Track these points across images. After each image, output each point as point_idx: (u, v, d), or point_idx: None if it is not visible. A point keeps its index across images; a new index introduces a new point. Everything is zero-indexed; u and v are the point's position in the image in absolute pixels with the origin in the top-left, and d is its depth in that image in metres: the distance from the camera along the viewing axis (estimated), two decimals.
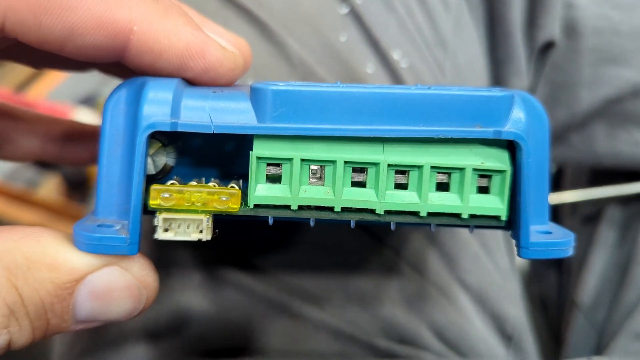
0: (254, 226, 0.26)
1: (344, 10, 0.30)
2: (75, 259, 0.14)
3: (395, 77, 0.29)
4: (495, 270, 0.30)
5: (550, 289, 0.51)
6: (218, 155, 0.18)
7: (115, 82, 0.20)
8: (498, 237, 0.33)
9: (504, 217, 0.16)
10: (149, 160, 0.16)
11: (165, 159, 0.17)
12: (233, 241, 0.26)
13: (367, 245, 0.27)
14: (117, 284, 0.15)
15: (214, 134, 0.16)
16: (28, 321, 0.14)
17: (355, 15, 0.29)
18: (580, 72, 0.35)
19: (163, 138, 0.17)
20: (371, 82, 0.29)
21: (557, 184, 0.47)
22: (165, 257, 0.26)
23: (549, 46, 0.35)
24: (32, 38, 0.15)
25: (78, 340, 0.27)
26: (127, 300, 0.15)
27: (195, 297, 0.26)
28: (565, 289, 0.47)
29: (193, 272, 0.26)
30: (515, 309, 0.31)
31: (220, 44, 0.17)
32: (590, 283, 0.41)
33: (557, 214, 0.50)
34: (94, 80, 0.80)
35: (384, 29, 0.30)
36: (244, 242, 0.26)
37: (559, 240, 0.16)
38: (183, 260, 0.26)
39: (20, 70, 0.85)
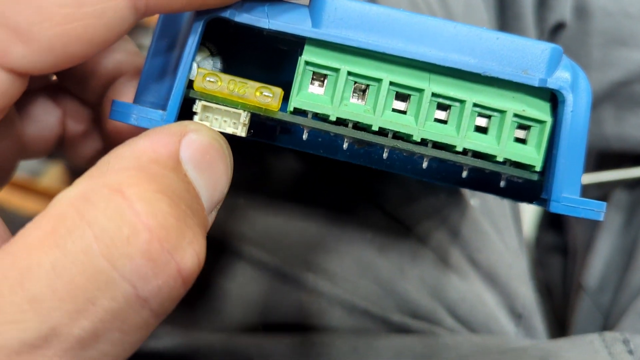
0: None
1: None
2: (160, 146, 0.13)
3: None
4: (505, 249, 0.31)
5: (554, 276, 0.51)
6: (261, 76, 0.18)
7: None
8: (507, 217, 0.33)
9: (538, 168, 0.16)
10: (194, 65, 0.17)
11: (210, 67, 0.17)
12: (247, 214, 0.26)
13: (380, 220, 0.27)
14: (204, 145, 0.14)
15: (262, 47, 0.16)
16: (195, 222, 0.13)
17: None
18: (589, 54, 0.35)
19: (212, 47, 0.17)
20: None
21: None
22: None
23: (559, 27, 0.35)
24: (178, 5, 0.14)
25: None
26: (218, 159, 0.14)
27: (210, 272, 0.26)
28: (571, 274, 0.47)
29: (208, 248, 0.26)
30: (525, 288, 0.31)
31: None
32: (596, 266, 0.41)
33: None
34: None
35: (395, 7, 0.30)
36: (259, 216, 0.26)
37: (592, 200, 0.16)
38: None
39: None
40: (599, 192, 0.42)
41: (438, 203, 0.28)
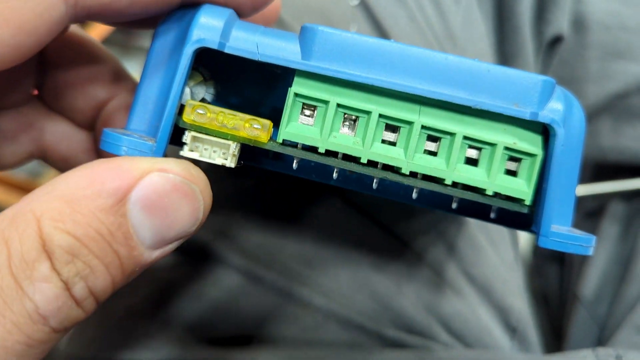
0: (267, 212, 0.27)
1: (355, 1, 0.30)
2: (110, 182, 0.14)
3: None
4: (500, 263, 0.31)
5: (551, 284, 0.52)
6: (253, 104, 0.18)
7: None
8: (503, 230, 0.33)
9: (528, 202, 0.16)
10: (187, 90, 0.17)
11: (203, 93, 0.17)
12: (243, 228, 0.26)
13: (376, 235, 0.27)
14: (164, 188, 0.14)
15: (255, 70, 0.16)
16: (97, 260, 0.13)
17: (366, 7, 0.30)
18: (587, 67, 0.35)
19: (205, 72, 0.17)
20: None
21: None
22: None
23: (557, 41, 0.35)
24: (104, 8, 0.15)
25: (88, 327, 0.28)
26: (182, 202, 0.14)
27: (205, 285, 0.26)
28: (567, 283, 0.47)
29: (202, 260, 0.26)
30: (520, 301, 0.31)
31: None
32: (593, 277, 0.41)
33: None
34: None
35: (393, 22, 0.30)
36: (255, 229, 0.26)
37: (581, 236, 0.16)
38: (193, 247, 0.26)
39: None
40: (596, 203, 0.43)
41: (434, 218, 0.28)
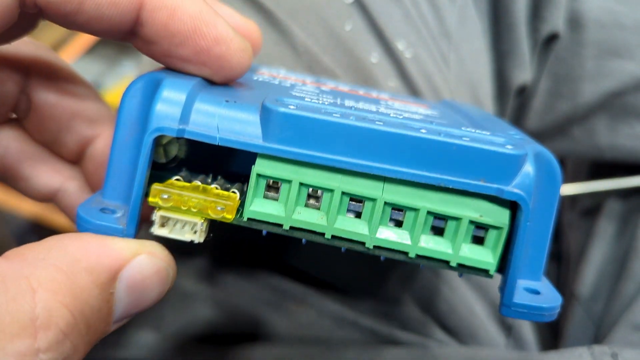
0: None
1: None
2: (104, 258, 0.13)
3: (400, 67, 0.29)
4: None
5: None
6: (228, 155, 0.18)
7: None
8: None
9: (492, 272, 0.16)
10: (161, 149, 0.17)
11: (176, 151, 0.17)
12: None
13: None
14: (149, 271, 0.14)
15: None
16: (81, 339, 0.13)
17: (361, 5, 0.30)
18: (583, 65, 0.35)
19: None
20: (375, 71, 0.29)
21: None
22: (171, 242, 0.26)
23: (552, 39, 0.35)
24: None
25: None
26: (157, 285, 0.15)
27: (200, 282, 0.26)
28: (564, 281, 0.48)
29: (198, 258, 0.26)
30: None
31: (227, 22, 0.17)
32: (589, 276, 0.41)
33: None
34: (95, 72, 0.80)
35: (388, 19, 0.30)
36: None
37: (544, 305, 0.15)
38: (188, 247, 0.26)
39: None
40: (592, 201, 0.43)
41: None
